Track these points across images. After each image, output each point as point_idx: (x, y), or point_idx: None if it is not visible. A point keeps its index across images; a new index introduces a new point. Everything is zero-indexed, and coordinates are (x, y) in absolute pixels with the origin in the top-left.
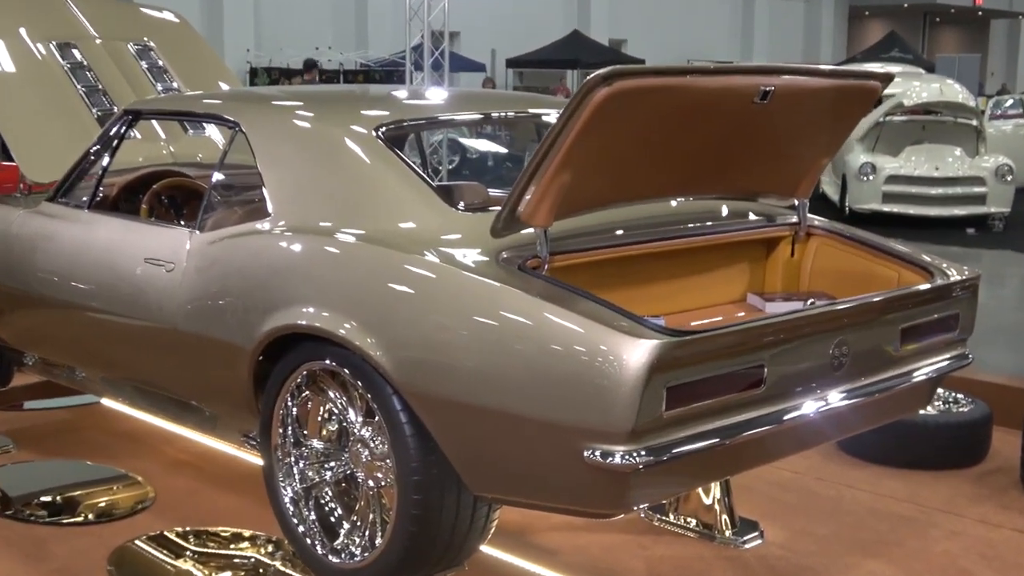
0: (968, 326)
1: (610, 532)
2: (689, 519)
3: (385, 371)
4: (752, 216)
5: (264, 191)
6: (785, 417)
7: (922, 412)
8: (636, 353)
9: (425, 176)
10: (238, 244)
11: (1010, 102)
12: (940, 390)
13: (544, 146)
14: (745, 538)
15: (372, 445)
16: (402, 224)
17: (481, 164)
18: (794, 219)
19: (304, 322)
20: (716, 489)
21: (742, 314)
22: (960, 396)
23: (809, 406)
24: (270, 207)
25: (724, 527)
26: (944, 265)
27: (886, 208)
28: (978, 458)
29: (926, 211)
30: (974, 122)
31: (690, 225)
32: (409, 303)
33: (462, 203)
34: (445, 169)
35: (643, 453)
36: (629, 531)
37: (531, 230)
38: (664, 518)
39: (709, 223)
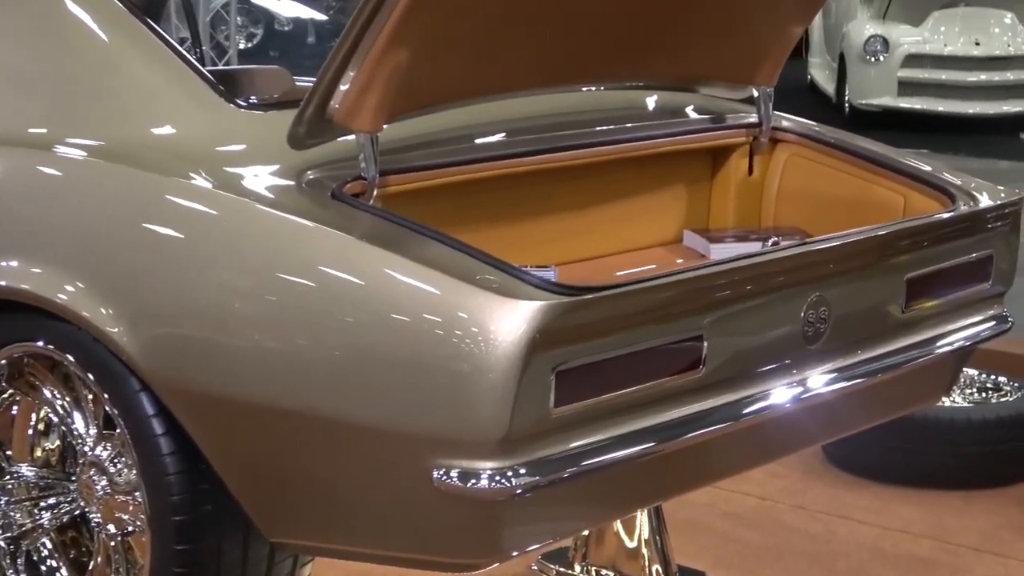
0: (1007, 274)
1: None
2: (605, 571)
3: (130, 357)
4: (691, 114)
5: None
6: (738, 413)
7: (944, 403)
8: (510, 321)
9: (191, 56)
10: None
11: None
12: (969, 370)
13: (367, 8)
14: None
15: (112, 470)
16: (156, 130)
17: (296, 41)
18: (753, 119)
19: (3, 283)
20: (643, 525)
21: (680, 261)
22: (1001, 379)
23: (774, 396)
24: None
25: None
26: (972, 185)
27: (903, 104)
28: None
29: (962, 108)
30: None
31: (597, 129)
32: (169, 254)
33: (251, 97)
34: (235, 47)
35: (522, 472)
36: None
37: (350, 137)
38: (566, 571)
39: (627, 126)
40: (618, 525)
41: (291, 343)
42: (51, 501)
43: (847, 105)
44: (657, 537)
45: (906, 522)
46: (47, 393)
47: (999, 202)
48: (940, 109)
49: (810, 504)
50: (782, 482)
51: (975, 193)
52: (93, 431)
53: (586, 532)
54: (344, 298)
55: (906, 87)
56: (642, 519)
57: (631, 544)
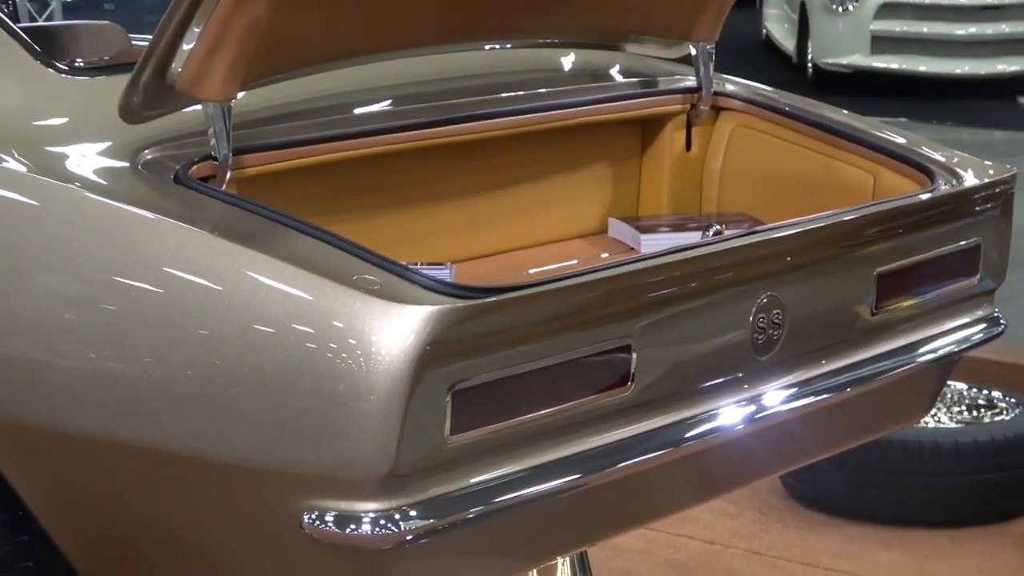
0: (997, 267)
1: None
2: None
3: None
4: (616, 78)
5: None
6: (676, 438)
7: (926, 424)
8: (394, 330)
9: (1, 10)
10: None
11: None
12: (956, 384)
13: None
14: None
15: None
16: None
17: None
18: (690, 82)
19: None
20: (564, 574)
21: (605, 255)
22: (995, 394)
23: (720, 417)
24: None
25: None
26: (955, 161)
27: (877, 63)
28: None
29: (947, 67)
30: None
31: (503, 96)
32: None
33: (77, 59)
34: None
35: (412, 514)
36: None
37: (197, 108)
38: None
39: (539, 92)
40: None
41: (133, 362)
42: None
43: (810, 65)
44: None
45: (884, 568)
46: None
47: (987, 180)
48: (921, 69)
49: (767, 549)
50: (733, 523)
51: (958, 170)
52: None
53: None
54: (196, 307)
55: (880, 43)
56: (564, 569)
57: None
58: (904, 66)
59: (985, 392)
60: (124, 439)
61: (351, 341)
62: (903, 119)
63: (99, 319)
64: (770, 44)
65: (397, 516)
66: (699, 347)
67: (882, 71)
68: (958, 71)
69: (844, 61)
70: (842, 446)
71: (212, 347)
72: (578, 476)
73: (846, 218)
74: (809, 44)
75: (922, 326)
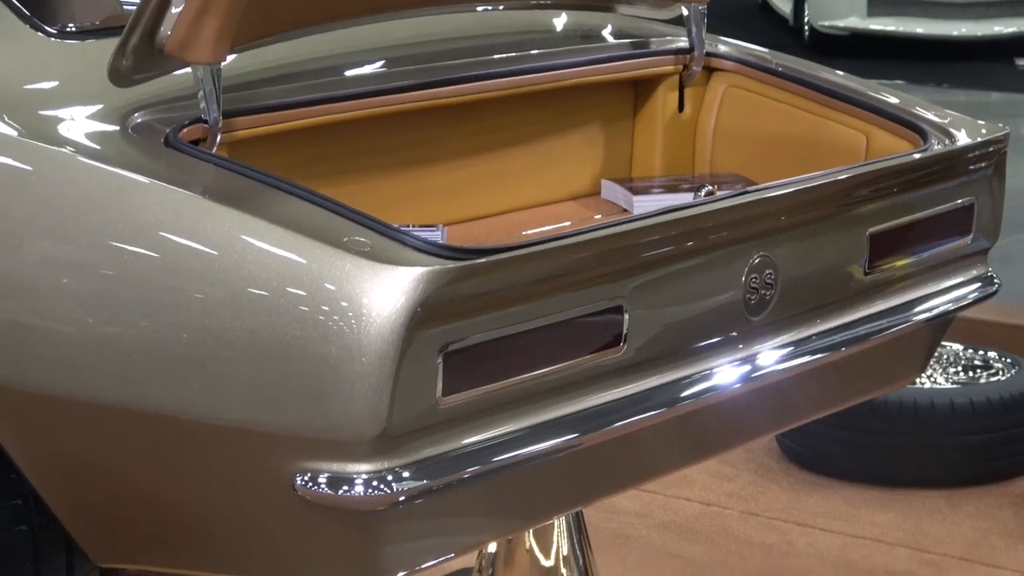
0: (990, 227)
1: None
2: None
3: None
4: (608, 39)
5: None
6: (669, 398)
7: (922, 384)
8: (385, 292)
9: None
10: None
11: None
12: (952, 345)
13: None
14: None
15: None
16: None
17: None
18: (683, 43)
19: None
20: (561, 538)
21: (598, 217)
22: (991, 355)
23: (712, 378)
24: None
25: None
26: (948, 120)
27: (874, 25)
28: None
29: (945, 29)
30: None
31: (495, 58)
32: None
33: (67, 23)
34: None
35: (405, 475)
36: None
37: (186, 71)
38: None
39: (531, 53)
40: (531, 540)
41: (127, 326)
42: None
43: (807, 28)
44: (579, 553)
45: (879, 529)
46: None
47: (980, 139)
48: (918, 31)
49: (764, 510)
50: (730, 484)
51: (951, 129)
52: None
53: (492, 548)
54: (188, 270)
55: (877, 5)
56: (560, 531)
57: (547, 563)
58: (901, 28)
59: (981, 353)
60: (117, 402)
61: (342, 303)
62: (900, 81)
63: (92, 283)
64: (766, 7)
65: (390, 477)
66: (692, 307)
67: (879, 33)
68: (955, 33)
69: (841, 24)
70: (836, 406)
71: (205, 310)
72: (571, 437)
73: (839, 178)
74: (806, 6)
75: (916, 286)
